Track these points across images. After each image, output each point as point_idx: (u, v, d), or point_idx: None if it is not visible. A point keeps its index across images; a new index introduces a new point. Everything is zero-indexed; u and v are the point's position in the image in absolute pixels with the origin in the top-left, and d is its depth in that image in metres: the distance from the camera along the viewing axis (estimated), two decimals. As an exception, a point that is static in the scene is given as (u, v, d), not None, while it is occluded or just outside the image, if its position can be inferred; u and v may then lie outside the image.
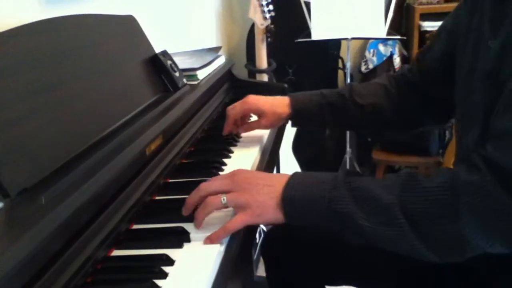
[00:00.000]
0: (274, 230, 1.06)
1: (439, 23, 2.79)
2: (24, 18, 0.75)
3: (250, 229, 0.77)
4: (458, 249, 0.61)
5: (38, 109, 0.66)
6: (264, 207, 0.67)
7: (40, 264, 0.53)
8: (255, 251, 1.79)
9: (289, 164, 2.05)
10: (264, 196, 0.68)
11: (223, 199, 0.68)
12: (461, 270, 0.80)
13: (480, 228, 0.59)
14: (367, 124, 1.02)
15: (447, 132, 2.26)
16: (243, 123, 1.04)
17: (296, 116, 1.01)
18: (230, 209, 0.71)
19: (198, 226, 0.69)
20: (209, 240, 0.66)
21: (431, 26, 2.38)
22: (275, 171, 1.78)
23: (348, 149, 2.28)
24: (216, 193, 0.69)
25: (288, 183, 0.68)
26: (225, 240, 0.67)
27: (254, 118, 1.07)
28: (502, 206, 0.57)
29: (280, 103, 1.00)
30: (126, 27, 1.01)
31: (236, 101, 1.38)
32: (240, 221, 0.67)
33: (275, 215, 0.68)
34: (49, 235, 0.54)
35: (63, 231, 0.57)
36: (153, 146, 0.84)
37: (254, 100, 1.01)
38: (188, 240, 0.67)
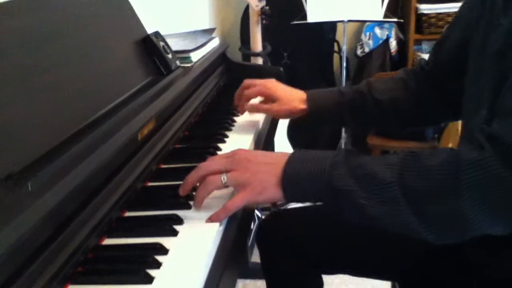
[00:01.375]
0: (269, 219, 1.05)
1: (436, 6, 2.75)
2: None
3: (247, 214, 0.75)
4: (458, 229, 0.60)
5: (23, 93, 0.63)
6: (265, 184, 0.66)
7: (27, 253, 0.51)
8: (249, 238, 1.78)
9: (284, 149, 2.03)
10: (265, 174, 0.67)
11: (224, 178, 0.67)
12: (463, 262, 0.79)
13: (481, 206, 0.57)
14: (387, 121, 0.99)
15: (442, 117, 2.24)
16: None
17: (313, 114, 0.98)
18: (227, 192, 0.70)
19: (198, 206, 0.68)
20: (210, 220, 0.65)
21: (428, 9, 2.35)
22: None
23: (343, 134, 2.27)
24: (216, 172, 0.68)
25: (288, 160, 0.67)
26: (221, 227, 0.65)
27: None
28: (504, 184, 0.56)
29: (297, 97, 0.98)
30: (117, 7, 0.97)
31: (230, 85, 1.36)
32: (241, 199, 0.66)
33: (275, 192, 0.67)
34: (36, 223, 0.51)
35: (51, 219, 0.55)
36: (145, 131, 0.81)
37: (274, 84, 1.00)
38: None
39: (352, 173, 0.63)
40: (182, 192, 0.70)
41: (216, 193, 0.69)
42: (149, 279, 0.54)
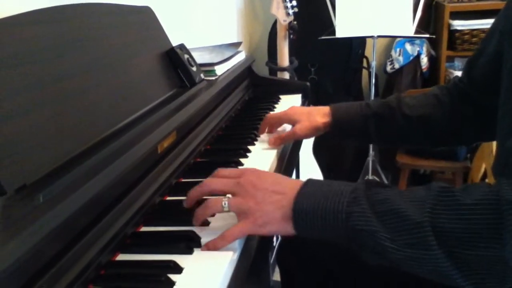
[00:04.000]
0: (288, 239, 1.01)
1: (470, 22, 2.66)
2: (29, 4, 0.71)
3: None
4: (498, 277, 0.53)
5: (42, 102, 0.62)
6: (270, 217, 0.61)
7: (36, 267, 0.49)
8: (271, 254, 1.74)
9: (309, 166, 1.99)
10: (271, 204, 0.61)
11: (224, 203, 0.62)
12: None
13: None
14: (416, 138, 0.94)
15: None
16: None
17: (336, 126, 0.94)
18: None
19: (196, 224, 0.65)
20: (206, 247, 0.60)
21: (461, 25, 2.28)
22: (294, 173, 1.72)
23: (371, 151, 2.21)
24: (219, 191, 0.65)
25: (300, 191, 0.61)
26: (239, 246, 0.62)
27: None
28: None
29: (318, 111, 0.96)
30: (142, 19, 0.97)
31: (255, 100, 1.34)
32: (240, 230, 0.61)
33: (283, 226, 0.61)
34: (46, 236, 0.49)
35: (63, 233, 0.53)
36: (165, 144, 0.79)
37: (292, 108, 1.01)
38: (199, 246, 0.61)
39: (373, 210, 0.56)
40: (185, 204, 0.67)
41: None
42: (161, 299, 0.51)
